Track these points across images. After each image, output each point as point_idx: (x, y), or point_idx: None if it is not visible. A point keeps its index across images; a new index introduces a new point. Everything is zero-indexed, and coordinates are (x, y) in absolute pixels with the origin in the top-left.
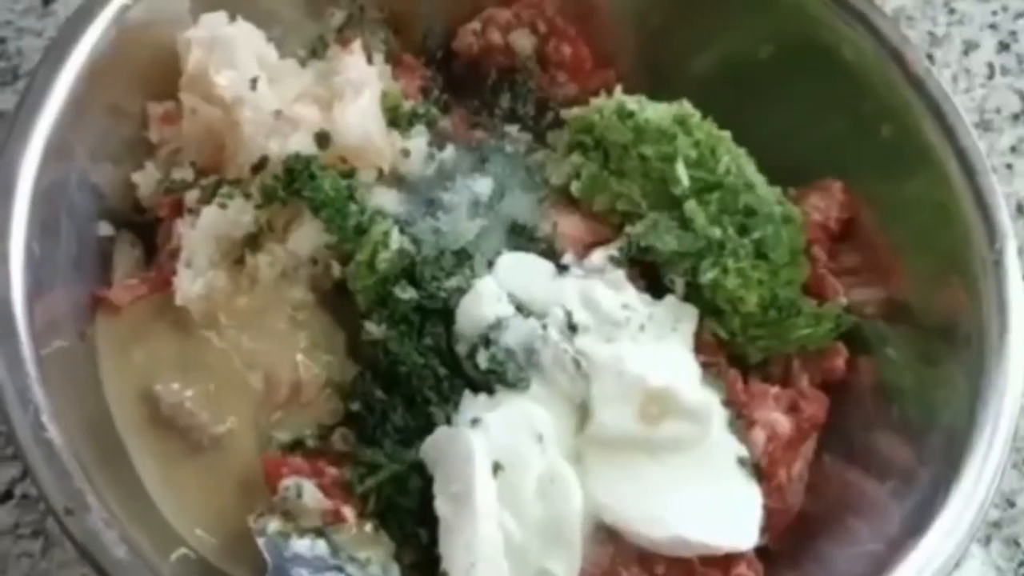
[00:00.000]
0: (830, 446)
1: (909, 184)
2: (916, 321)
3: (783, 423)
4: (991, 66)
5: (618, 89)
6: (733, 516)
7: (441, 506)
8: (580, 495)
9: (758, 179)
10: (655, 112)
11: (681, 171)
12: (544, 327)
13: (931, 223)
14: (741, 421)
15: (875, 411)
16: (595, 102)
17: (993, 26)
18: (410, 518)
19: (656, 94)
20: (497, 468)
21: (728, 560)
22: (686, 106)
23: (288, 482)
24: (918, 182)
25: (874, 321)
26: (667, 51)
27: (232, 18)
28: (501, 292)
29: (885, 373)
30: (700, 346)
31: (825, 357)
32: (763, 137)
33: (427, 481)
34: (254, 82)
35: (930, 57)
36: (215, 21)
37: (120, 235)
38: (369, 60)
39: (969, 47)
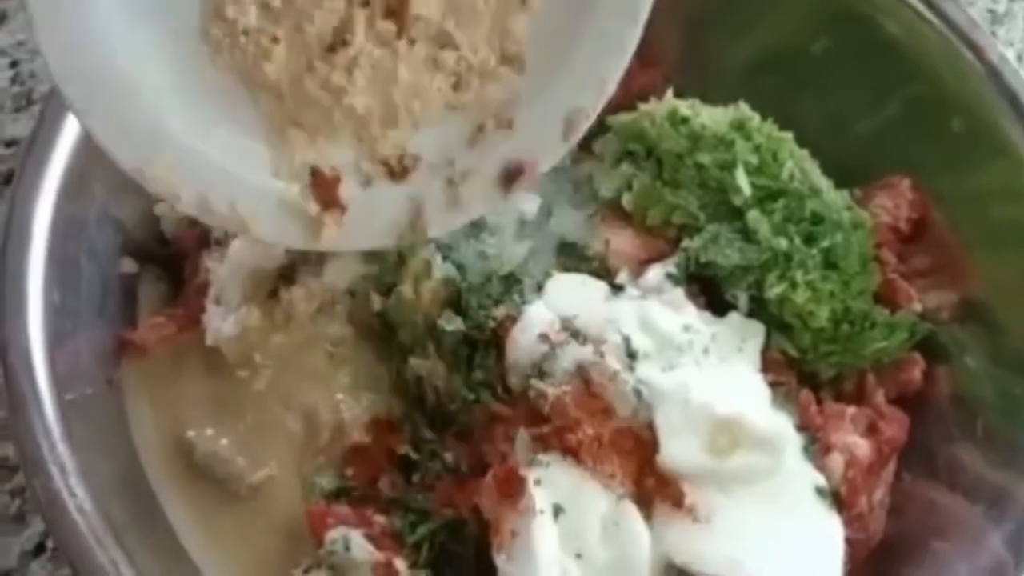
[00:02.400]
0: (909, 463)
1: (982, 178)
2: (994, 324)
3: (862, 447)
4: None
5: (668, 93)
6: (813, 553)
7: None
8: (648, 537)
9: (824, 183)
10: (711, 117)
11: (742, 179)
12: (601, 354)
13: (1007, 216)
14: (816, 447)
15: (956, 425)
16: (644, 107)
17: None
18: (467, 568)
19: (703, 91)
20: (558, 511)
21: None
22: (744, 108)
23: (335, 534)
24: (993, 175)
25: (949, 327)
26: (711, 40)
27: None
28: (554, 318)
29: (964, 383)
30: (767, 365)
31: (901, 369)
32: (817, 132)
33: (484, 526)
34: None
35: (992, 35)
36: None
37: (144, 271)
38: None
39: None
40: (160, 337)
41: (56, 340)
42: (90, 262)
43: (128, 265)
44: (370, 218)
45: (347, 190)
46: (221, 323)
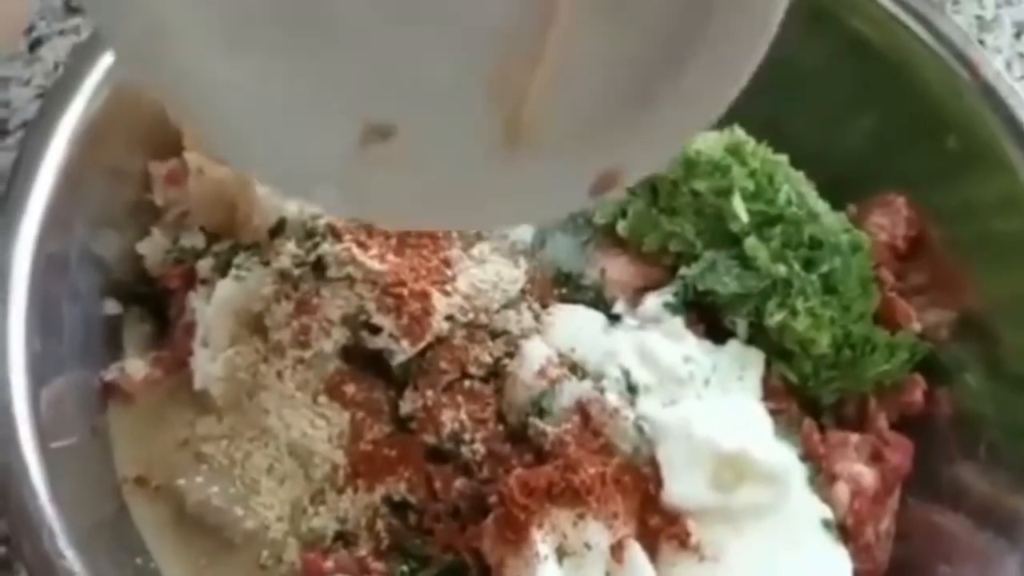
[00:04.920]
0: (913, 487)
1: (979, 194)
2: (994, 341)
3: (867, 476)
4: None
5: None
6: None
7: None
8: None
9: (821, 206)
10: (705, 142)
11: (739, 205)
12: (601, 390)
13: (1004, 231)
14: (821, 477)
15: (959, 446)
16: None
17: None
18: None
19: None
20: (562, 555)
21: None
22: (738, 133)
23: None
24: (989, 191)
25: (949, 345)
26: None
27: None
28: (551, 352)
29: (966, 403)
30: (768, 392)
31: (902, 391)
32: (808, 149)
33: (486, 571)
34: None
35: (980, 43)
36: None
37: (128, 312)
38: None
39: (1021, 29)
40: (147, 382)
41: (39, 388)
42: (72, 304)
43: (112, 307)
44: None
45: None
46: (209, 366)
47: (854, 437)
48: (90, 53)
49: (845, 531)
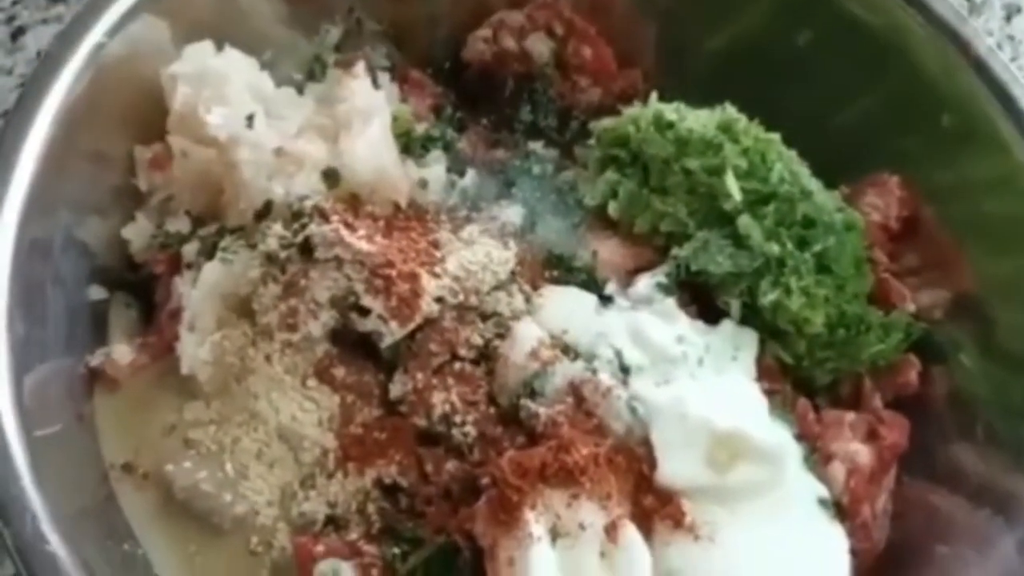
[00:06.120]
0: (909, 467)
1: (973, 172)
2: (987, 320)
3: (863, 454)
4: None
5: (653, 96)
6: (819, 566)
7: None
8: (648, 558)
9: (814, 185)
10: (697, 120)
11: (732, 184)
12: (593, 371)
13: (999, 210)
14: (816, 456)
15: (955, 426)
16: (628, 112)
17: None
18: None
19: (683, 88)
20: (555, 536)
21: None
22: (730, 111)
23: (324, 567)
24: (984, 170)
25: (943, 325)
26: (688, 34)
27: (219, 46)
28: (542, 334)
29: (961, 382)
30: (762, 372)
31: (897, 372)
32: (800, 127)
33: (478, 554)
34: (250, 119)
35: None
36: (201, 52)
37: (114, 298)
38: (374, 81)
39: (1011, 12)
40: (133, 368)
41: (22, 374)
42: (56, 289)
43: (97, 292)
44: None
45: None
46: (195, 350)
47: (849, 416)
48: (73, 39)
49: (841, 510)
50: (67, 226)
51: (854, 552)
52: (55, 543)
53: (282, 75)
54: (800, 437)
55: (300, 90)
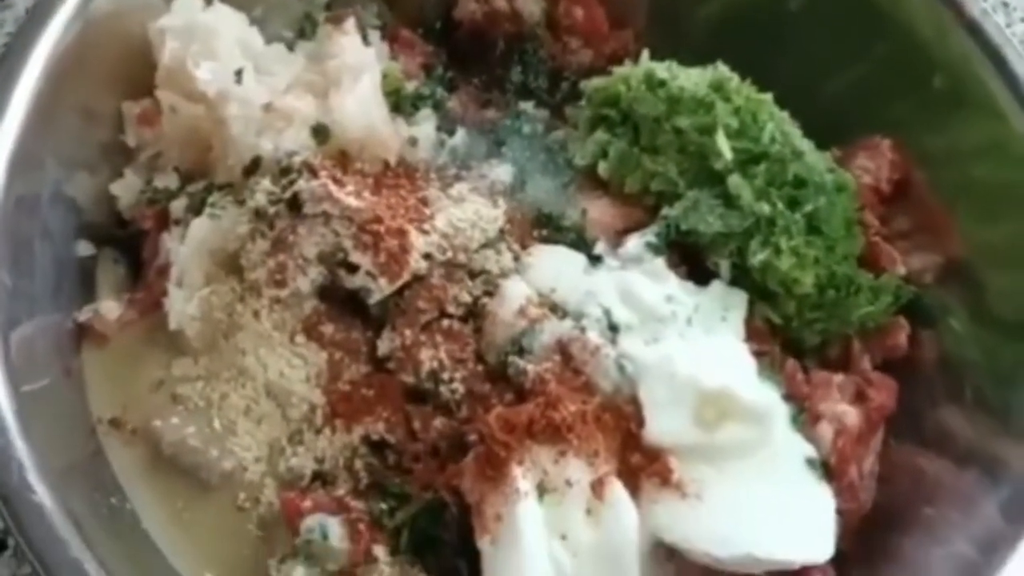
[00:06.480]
0: (897, 430)
1: (965, 135)
2: (978, 284)
3: (851, 415)
4: None
5: (645, 55)
6: (805, 525)
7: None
8: (635, 515)
9: (806, 145)
10: (688, 79)
11: (722, 143)
12: (582, 329)
13: (990, 174)
14: (804, 416)
15: (944, 389)
16: (619, 71)
17: None
18: (449, 551)
19: (675, 50)
20: (542, 491)
21: (800, 570)
22: (722, 69)
23: (311, 522)
24: (976, 133)
25: (933, 289)
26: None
27: (208, 1)
28: (531, 292)
29: (950, 346)
30: (751, 333)
31: (886, 334)
32: (792, 89)
33: (465, 510)
34: (239, 74)
35: None
36: (190, 6)
37: (102, 253)
38: (364, 39)
39: None
40: (121, 323)
41: (10, 329)
42: (44, 243)
43: (85, 248)
44: None
45: None
46: (184, 306)
47: (838, 377)
48: None
49: (829, 470)
50: (55, 181)
51: (840, 512)
52: (42, 493)
53: (272, 32)
54: (788, 397)
55: (291, 47)
